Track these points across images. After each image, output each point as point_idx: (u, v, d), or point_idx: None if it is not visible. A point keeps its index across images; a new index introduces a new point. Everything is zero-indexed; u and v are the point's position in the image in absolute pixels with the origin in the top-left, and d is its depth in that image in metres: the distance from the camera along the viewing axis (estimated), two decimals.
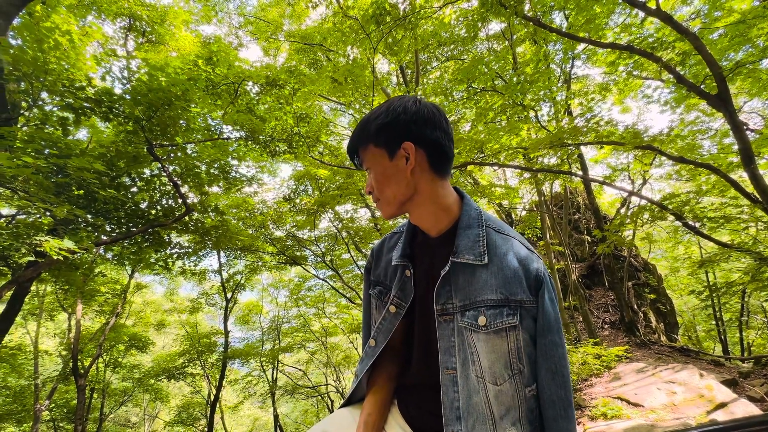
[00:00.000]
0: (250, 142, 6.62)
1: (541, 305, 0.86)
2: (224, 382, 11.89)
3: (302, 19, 11.53)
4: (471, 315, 0.86)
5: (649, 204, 5.81)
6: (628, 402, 5.24)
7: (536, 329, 0.86)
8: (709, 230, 5.79)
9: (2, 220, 4.37)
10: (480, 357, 0.86)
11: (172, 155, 5.62)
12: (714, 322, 11.41)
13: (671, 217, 6.12)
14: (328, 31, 9.08)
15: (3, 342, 5.21)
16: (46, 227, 4.09)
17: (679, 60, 4.85)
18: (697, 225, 5.35)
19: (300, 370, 15.22)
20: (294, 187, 9.82)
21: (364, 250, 10.46)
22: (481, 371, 0.85)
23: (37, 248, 3.43)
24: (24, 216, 4.89)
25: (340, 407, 1.08)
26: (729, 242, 6.00)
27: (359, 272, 11.06)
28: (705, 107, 6.33)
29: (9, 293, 4.42)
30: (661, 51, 4.86)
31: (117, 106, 4.56)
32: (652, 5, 4.12)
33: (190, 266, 7.90)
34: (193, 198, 6.63)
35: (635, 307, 8.93)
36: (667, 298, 10.20)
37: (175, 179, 5.49)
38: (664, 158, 6.27)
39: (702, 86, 4.30)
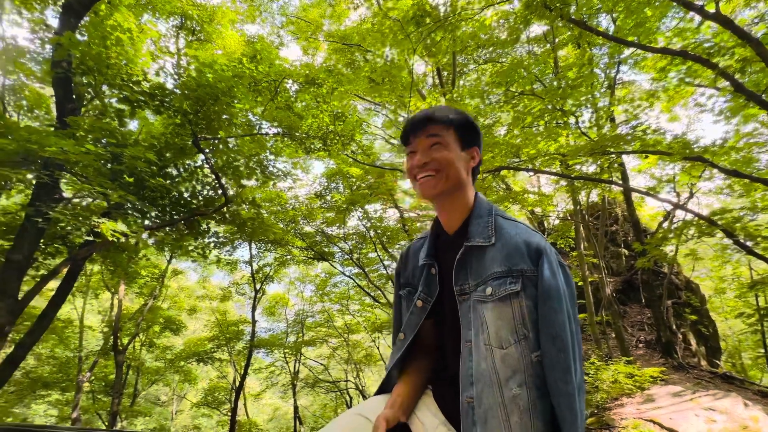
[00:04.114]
0: (286, 138, 6.82)
1: (540, 273, 0.92)
2: (249, 369, 12.27)
3: (342, 20, 11.71)
4: (481, 289, 0.96)
5: (696, 219, 5.48)
6: (662, 426, 4.96)
7: (537, 296, 0.92)
8: (763, 250, 5.38)
9: (61, 203, 4.74)
10: (488, 325, 0.93)
11: (214, 148, 5.89)
12: (762, 350, 10.58)
13: (719, 234, 5.74)
14: (367, 32, 9.19)
15: (55, 315, 5.64)
16: (99, 211, 4.40)
17: (738, 67, 4.55)
18: (750, 244, 5.00)
19: (321, 364, 15.45)
20: (326, 184, 10.00)
21: (391, 250, 10.50)
22: (488, 338, 0.92)
23: (95, 229, 3.71)
24: (78, 200, 5.29)
25: (374, 396, 1.12)
26: None
27: (385, 272, 11.11)
28: (765, 118, 5.89)
29: (64, 270, 4.78)
30: (718, 57, 4.57)
31: (168, 100, 4.84)
32: (711, 8, 3.89)
33: (224, 256, 8.23)
34: (230, 190, 6.91)
35: (674, 327, 8.44)
36: (710, 321, 9.57)
37: (216, 171, 5.74)
38: (714, 171, 5.89)
39: (763, 95, 4.02)
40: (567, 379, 0.88)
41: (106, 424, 11.11)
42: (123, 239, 3.69)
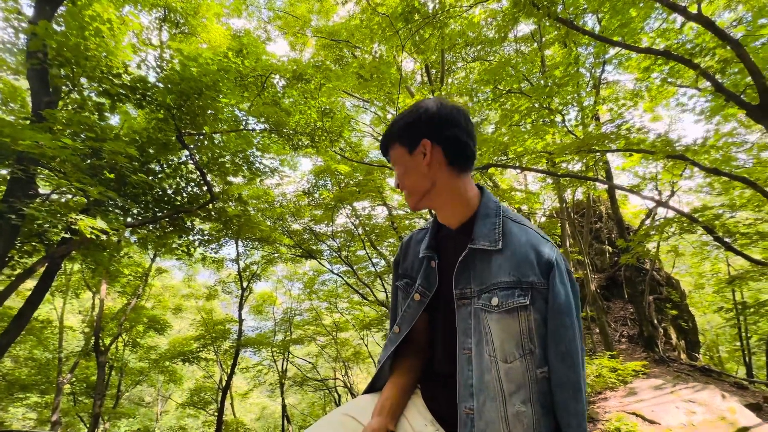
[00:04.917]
0: (273, 135, 6.73)
1: (551, 287, 0.88)
2: (236, 369, 12.13)
3: (330, 16, 11.61)
4: (486, 297, 0.91)
5: (677, 216, 5.61)
6: (644, 418, 5.08)
7: (547, 311, 0.89)
8: (741, 246, 5.54)
9: (38, 199, 4.57)
10: (493, 337, 0.89)
11: (199, 144, 5.77)
12: (739, 344, 10.95)
13: (699, 231, 5.89)
14: (355, 28, 9.13)
15: (32, 315, 5.46)
16: (78, 207, 4.26)
17: (719, 68, 4.65)
18: (729, 240, 5.14)
19: (309, 362, 15.39)
20: (314, 181, 9.90)
21: (379, 248, 10.48)
22: (493, 350, 0.89)
23: (72, 226, 3.59)
24: (57, 196, 5.11)
25: (363, 393, 1.10)
26: (762, 260, 5.75)
27: (373, 269, 11.10)
28: (743, 118, 6.06)
29: (42, 269, 4.63)
30: (699, 58, 4.68)
31: (150, 94, 4.70)
32: (693, 10, 3.97)
33: (209, 254, 8.09)
34: (216, 187, 6.78)
35: (655, 322, 8.65)
36: (690, 315, 9.84)
37: (201, 167, 5.63)
38: (695, 169, 6.04)
39: (742, 96, 4.12)
40: (578, 398, 0.85)
41: (88, 426, 10.84)
42: (103, 237, 3.58)
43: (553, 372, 0.88)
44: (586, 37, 5.46)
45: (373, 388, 1.09)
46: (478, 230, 0.95)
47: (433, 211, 1.06)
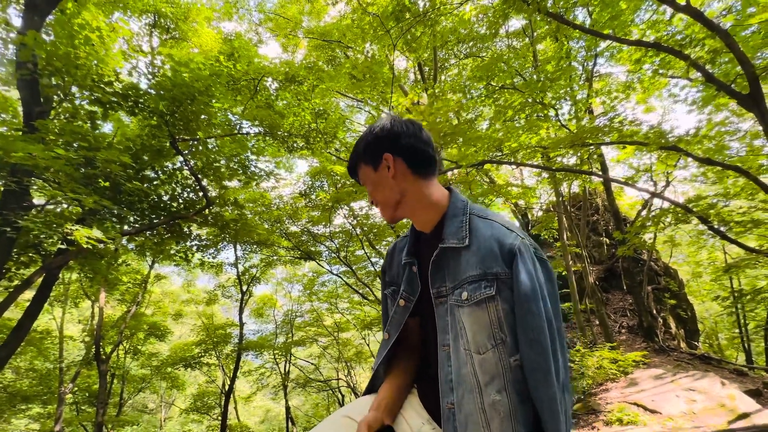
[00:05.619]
0: (268, 138, 6.72)
1: (515, 276, 0.90)
2: (238, 373, 12.12)
3: (321, 16, 11.58)
4: (458, 293, 0.95)
5: (672, 207, 5.65)
6: (645, 408, 5.13)
7: (514, 299, 0.91)
8: (736, 234, 5.58)
9: (33, 210, 4.55)
10: (466, 330, 0.93)
11: (194, 149, 5.75)
12: (737, 330, 11.03)
13: (695, 221, 5.93)
14: (346, 28, 9.12)
15: (31, 326, 5.44)
16: (74, 217, 4.25)
17: (709, 58, 4.68)
18: (724, 229, 5.18)
19: (312, 364, 15.40)
20: (310, 182, 9.90)
21: (378, 247, 10.49)
22: (467, 343, 0.92)
23: (68, 237, 3.57)
24: (52, 206, 5.09)
25: (362, 395, 1.13)
26: (757, 247, 5.79)
27: (372, 269, 11.11)
28: (735, 107, 6.09)
29: (39, 279, 4.61)
30: (689, 48, 4.70)
31: (142, 101, 4.69)
32: (682, 1, 3.99)
33: (208, 258, 8.08)
34: (212, 192, 6.77)
35: (654, 312, 8.71)
36: (689, 304, 9.92)
37: (196, 173, 5.62)
38: (689, 159, 6.07)
39: (732, 85, 4.15)
40: (548, 382, 0.87)
41: None
42: (99, 246, 3.57)
43: (524, 359, 0.89)
44: (577, 30, 5.48)
45: (371, 391, 1.13)
46: (447, 230, 0.99)
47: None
